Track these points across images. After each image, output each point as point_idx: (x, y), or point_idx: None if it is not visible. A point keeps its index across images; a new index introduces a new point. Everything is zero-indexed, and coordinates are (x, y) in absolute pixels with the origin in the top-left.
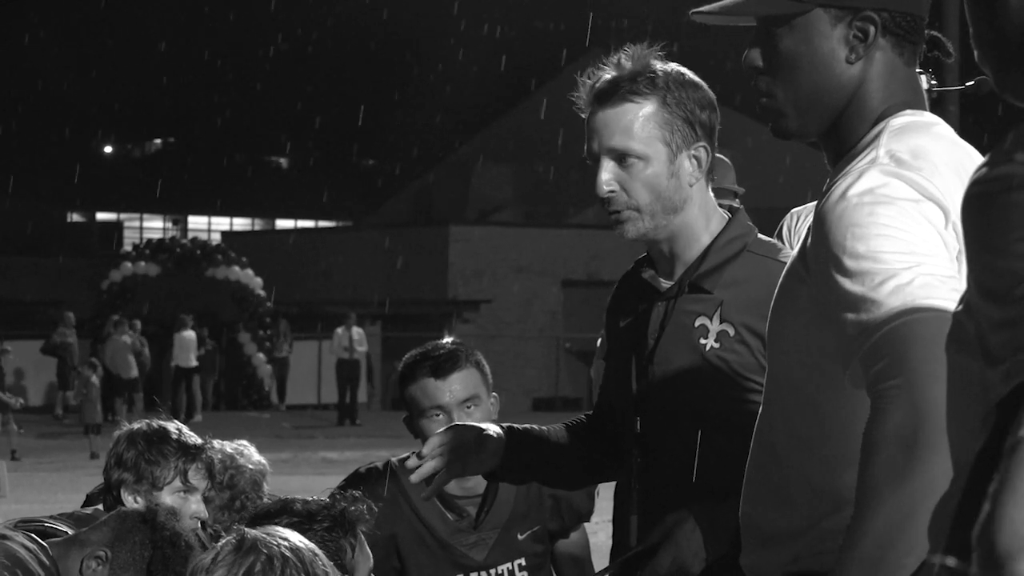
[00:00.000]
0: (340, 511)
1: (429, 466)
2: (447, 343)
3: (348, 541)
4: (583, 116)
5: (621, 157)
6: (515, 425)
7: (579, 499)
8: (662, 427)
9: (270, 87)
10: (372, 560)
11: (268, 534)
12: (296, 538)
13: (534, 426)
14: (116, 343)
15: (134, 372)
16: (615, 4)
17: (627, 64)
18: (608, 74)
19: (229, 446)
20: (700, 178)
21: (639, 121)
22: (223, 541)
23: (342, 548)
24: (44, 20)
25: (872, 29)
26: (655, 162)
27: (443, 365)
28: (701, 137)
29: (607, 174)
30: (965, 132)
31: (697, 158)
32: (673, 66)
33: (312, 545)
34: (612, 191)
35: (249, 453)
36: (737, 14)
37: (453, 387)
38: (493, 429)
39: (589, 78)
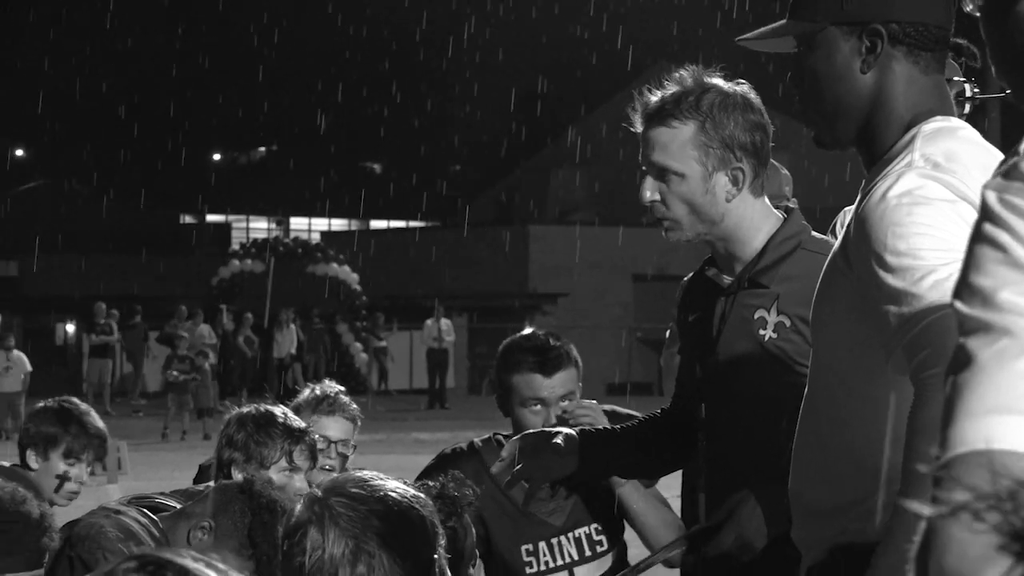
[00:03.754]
0: (452, 498)
1: (512, 476)
2: (554, 341)
3: (460, 524)
4: (632, 131)
5: (661, 172)
6: (587, 428)
7: None
8: (725, 412)
9: (365, 98)
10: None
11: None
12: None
13: (606, 427)
14: (194, 330)
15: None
16: (689, 18)
17: (678, 86)
18: (658, 95)
19: None
20: (739, 193)
21: (676, 142)
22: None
23: (456, 533)
24: (158, 44)
25: (879, 41)
26: (690, 180)
27: (550, 364)
28: (740, 159)
29: (648, 185)
30: (1006, 137)
31: (734, 177)
32: (724, 89)
33: None
34: (653, 201)
35: None
36: (772, 37)
37: (555, 385)
38: (566, 432)
39: (643, 96)
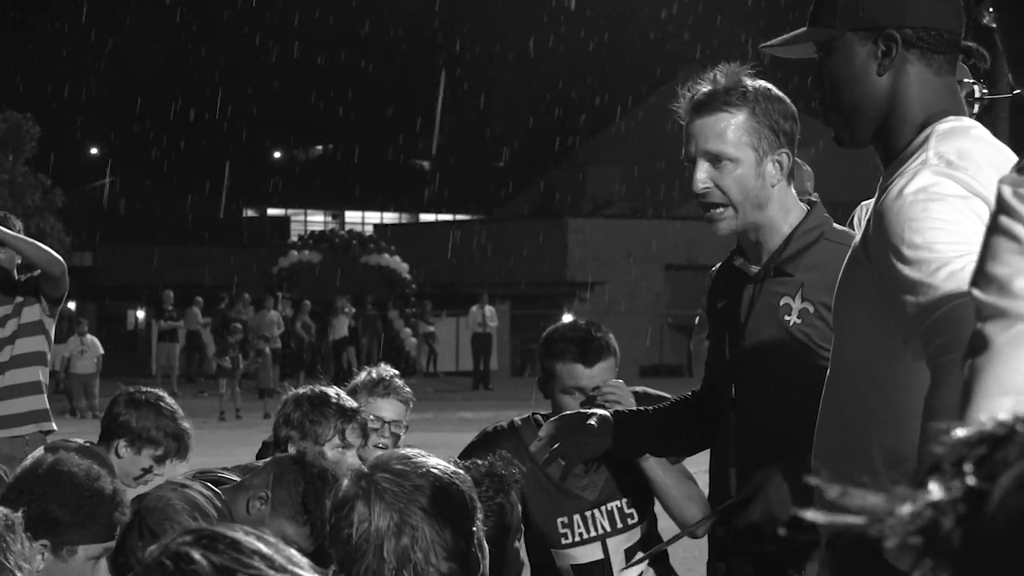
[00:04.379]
0: (499, 476)
1: (549, 455)
2: (596, 332)
3: (507, 500)
4: (682, 123)
5: (715, 159)
6: (620, 409)
7: None
8: (753, 392)
9: (415, 101)
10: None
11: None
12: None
13: (639, 408)
14: (262, 316)
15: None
16: (713, 25)
17: (722, 80)
18: (705, 88)
19: None
20: (781, 179)
21: (731, 128)
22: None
23: (504, 508)
24: (223, 51)
25: (893, 45)
26: (744, 164)
27: (592, 354)
28: (784, 144)
29: (702, 173)
30: (1014, 136)
31: (779, 162)
32: (761, 82)
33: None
34: (706, 187)
35: None
36: (794, 44)
37: (596, 374)
38: (600, 414)
39: (689, 91)
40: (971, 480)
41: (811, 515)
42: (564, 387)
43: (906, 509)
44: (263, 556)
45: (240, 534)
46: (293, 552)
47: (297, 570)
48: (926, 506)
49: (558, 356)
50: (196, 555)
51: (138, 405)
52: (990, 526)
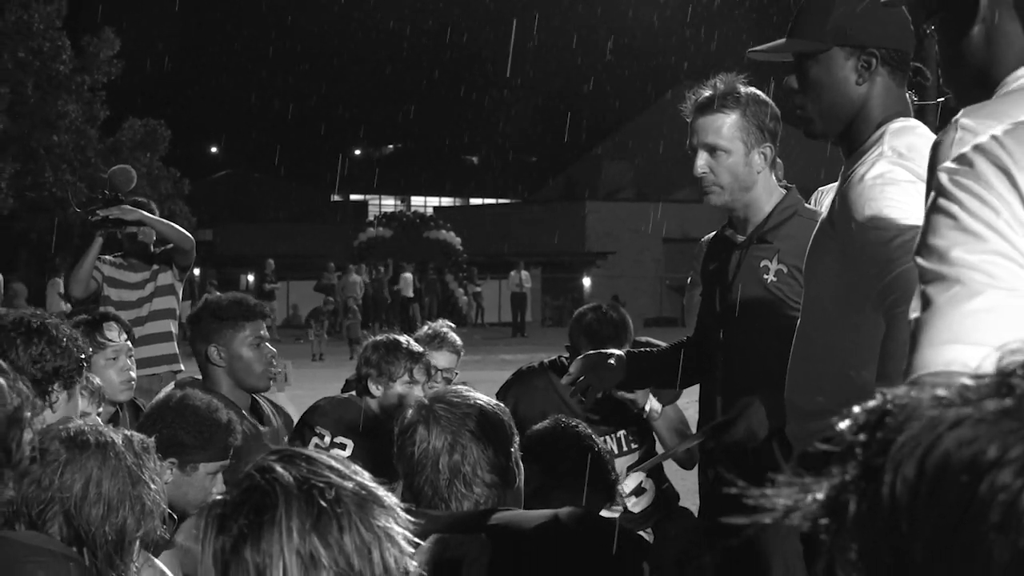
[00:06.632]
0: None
1: (576, 386)
2: (616, 328)
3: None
4: (687, 120)
5: (712, 150)
6: (632, 349)
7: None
8: (738, 336)
9: (465, 107)
10: None
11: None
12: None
13: (645, 349)
14: (347, 280)
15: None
16: (705, 45)
17: (720, 86)
18: (707, 92)
19: None
20: (765, 167)
21: (726, 126)
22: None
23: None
24: (311, 70)
25: (874, 61)
26: (735, 154)
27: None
28: (768, 139)
29: (701, 161)
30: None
31: (764, 154)
32: (752, 88)
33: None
34: (704, 172)
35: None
36: (780, 52)
37: None
38: (616, 354)
39: (694, 94)
40: (865, 459)
41: (734, 519)
42: None
43: (814, 496)
44: (333, 469)
45: (314, 453)
46: (358, 467)
47: (360, 479)
48: (831, 489)
49: (585, 346)
50: (278, 468)
51: None
52: (889, 493)
